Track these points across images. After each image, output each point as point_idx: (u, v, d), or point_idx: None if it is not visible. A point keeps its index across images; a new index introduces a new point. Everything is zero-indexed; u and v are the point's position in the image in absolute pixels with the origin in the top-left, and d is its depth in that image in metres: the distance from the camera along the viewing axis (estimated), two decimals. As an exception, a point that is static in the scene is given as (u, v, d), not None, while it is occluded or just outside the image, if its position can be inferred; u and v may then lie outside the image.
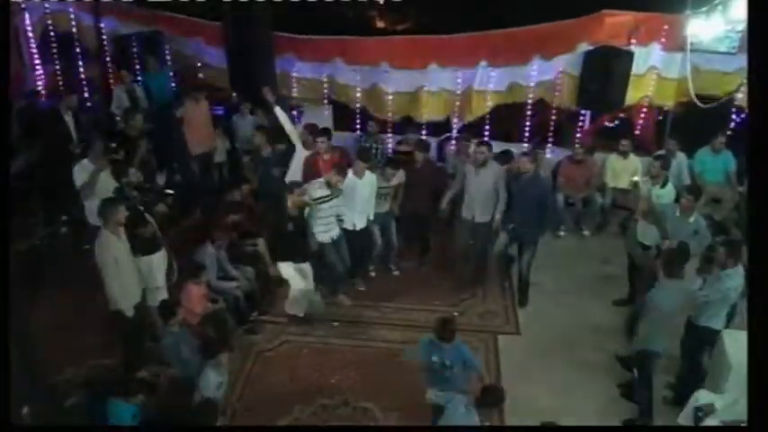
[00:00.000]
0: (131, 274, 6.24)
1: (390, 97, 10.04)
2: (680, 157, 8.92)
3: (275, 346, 7.34)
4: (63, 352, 6.93)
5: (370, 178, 7.71)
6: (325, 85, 10.28)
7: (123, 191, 6.70)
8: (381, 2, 10.80)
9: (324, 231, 7.49)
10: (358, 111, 10.37)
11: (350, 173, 7.54)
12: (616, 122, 10.18)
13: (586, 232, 9.38)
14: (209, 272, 7.22)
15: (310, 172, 7.86)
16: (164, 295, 6.77)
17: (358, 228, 7.82)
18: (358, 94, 10.23)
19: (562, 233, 9.38)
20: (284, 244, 7.19)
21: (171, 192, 8.25)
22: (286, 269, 7.31)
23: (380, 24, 11.19)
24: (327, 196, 7.32)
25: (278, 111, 8.33)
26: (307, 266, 7.40)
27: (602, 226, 9.40)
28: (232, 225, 7.69)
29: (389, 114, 10.17)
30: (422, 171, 8.14)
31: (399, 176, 8.01)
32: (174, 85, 10.55)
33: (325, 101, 10.37)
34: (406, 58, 9.81)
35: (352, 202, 7.64)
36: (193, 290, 7.00)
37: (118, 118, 9.11)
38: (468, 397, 5.20)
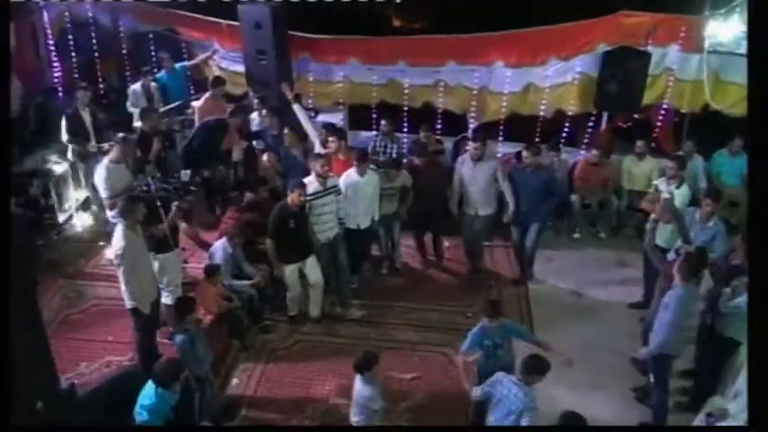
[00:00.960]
0: (148, 271, 6.29)
1: (407, 90, 10.03)
2: (696, 160, 8.84)
3: (289, 345, 7.38)
4: (79, 346, 7.10)
5: (372, 177, 7.72)
6: (340, 86, 10.24)
7: (147, 188, 6.66)
8: (398, 1, 10.70)
9: (320, 232, 7.49)
10: (374, 110, 10.33)
11: (353, 171, 7.57)
12: (629, 124, 10.09)
13: (602, 234, 9.34)
14: (224, 270, 7.25)
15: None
16: (179, 294, 6.82)
17: (362, 227, 7.83)
18: (374, 94, 10.17)
19: (577, 235, 9.35)
20: (286, 243, 7.20)
21: (194, 188, 8.28)
22: (288, 271, 7.33)
23: (397, 23, 11.05)
24: (321, 192, 7.32)
25: (296, 108, 8.38)
26: (312, 261, 7.41)
27: (618, 228, 9.35)
28: (247, 224, 7.70)
29: (406, 102, 10.14)
30: (427, 173, 8.13)
31: (404, 178, 8.00)
32: (190, 83, 10.54)
33: (341, 104, 10.33)
34: (423, 57, 9.77)
35: (356, 202, 7.65)
36: (208, 288, 7.05)
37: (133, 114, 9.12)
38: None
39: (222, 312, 7.06)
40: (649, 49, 8.99)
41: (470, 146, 7.84)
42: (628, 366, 6.84)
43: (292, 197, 7.01)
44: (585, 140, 9.85)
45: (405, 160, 8.60)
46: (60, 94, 10.55)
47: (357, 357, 5.55)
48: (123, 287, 6.08)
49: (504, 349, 5.81)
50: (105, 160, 7.34)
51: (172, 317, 6.47)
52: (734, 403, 5.54)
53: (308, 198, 7.21)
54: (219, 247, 7.40)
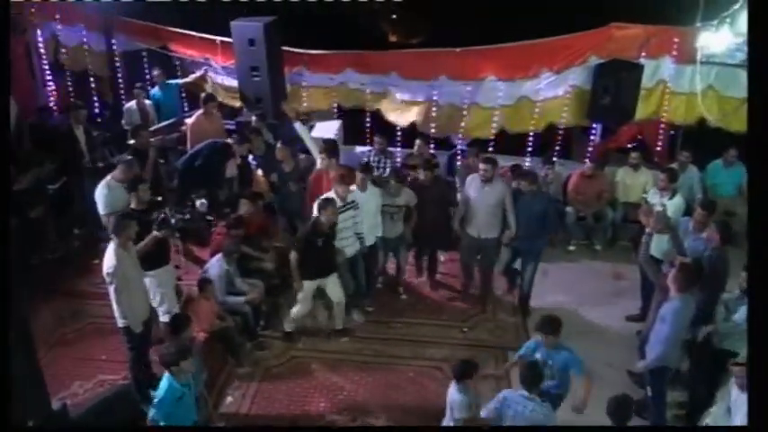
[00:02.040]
0: (140, 289, 6.25)
1: (399, 103, 10.04)
2: (691, 170, 8.83)
3: (283, 362, 7.34)
4: (73, 365, 7.07)
5: (373, 191, 7.65)
6: (335, 93, 10.27)
7: (165, 221, 6.63)
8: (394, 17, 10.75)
9: (341, 247, 7.44)
10: (368, 120, 10.36)
11: (353, 188, 7.49)
12: (634, 144, 9.82)
13: (598, 247, 9.30)
14: (218, 287, 7.23)
15: (314, 188, 7.85)
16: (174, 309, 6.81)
17: (367, 244, 7.73)
18: (368, 99, 10.21)
19: (572, 248, 9.31)
20: (310, 260, 7.14)
21: (211, 218, 8.37)
22: (306, 286, 7.28)
23: (392, 38, 11.09)
24: (342, 207, 7.28)
25: (297, 125, 8.37)
26: (333, 279, 7.37)
27: (613, 240, 9.32)
28: (237, 239, 7.69)
29: (398, 117, 10.15)
30: (430, 190, 7.97)
31: (408, 196, 7.81)
32: (184, 98, 10.56)
33: (335, 108, 10.36)
34: (416, 70, 9.81)
35: (361, 217, 7.58)
36: (202, 304, 7.03)
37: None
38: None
39: (216, 330, 7.03)
40: (642, 61, 9.05)
41: (480, 167, 7.58)
42: (625, 379, 6.79)
43: (326, 215, 6.96)
44: (587, 154, 9.84)
45: (408, 178, 8.33)
46: (55, 112, 10.56)
47: (455, 365, 5.55)
48: (114, 305, 6.05)
49: (551, 371, 5.67)
50: (108, 178, 7.35)
51: (167, 334, 6.42)
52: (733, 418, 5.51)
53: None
54: (215, 263, 7.37)
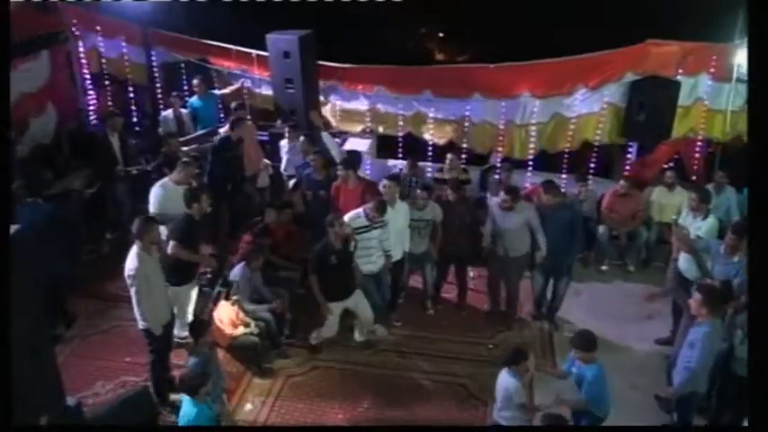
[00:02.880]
0: (162, 293, 6.29)
1: (432, 123, 10.00)
2: (728, 191, 8.60)
3: (305, 370, 7.30)
4: (96, 366, 7.17)
5: (402, 207, 7.57)
6: (368, 115, 10.28)
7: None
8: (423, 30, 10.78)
9: (365, 264, 7.40)
10: (400, 140, 10.34)
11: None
12: (671, 166, 9.53)
13: (631, 267, 9.08)
14: (242, 294, 7.25)
15: (334, 200, 7.85)
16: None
17: (394, 259, 7.65)
18: (400, 123, 10.19)
19: (605, 267, 9.11)
20: (328, 279, 7.10)
21: None
22: (334, 309, 7.23)
23: (425, 54, 11.09)
24: (366, 227, 7.25)
25: (325, 135, 8.40)
26: (358, 298, 7.32)
27: (647, 261, 9.09)
28: (263, 248, 7.72)
29: (432, 136, 10.10)
30: (457, 208, 7.86)
31: (434, 211, 7.72)
32: (220, 108, 10.71)
33: (368, 130, 10.36)
34: (450, 88, 9.77)
35: (388, 233, 7.46)
36: (224, 311, 7.06)
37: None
38: None
39: (238, 336, 7.05)
40: (679, 78, 8.89)
41: (501, 197, 7.52)
42: (647, 402, 6.58)
43: (336, 232, 6.94)
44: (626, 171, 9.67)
45: (436, 193, 8.22)
46: (94, 120, 10.81)
47: (507, 352, 5.74)
48: (135, 307, 6.10)
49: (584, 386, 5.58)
50: (165, 179, 7.50)
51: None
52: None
53: (355, 231, 7.15)
54: (239, 270, 7.40)
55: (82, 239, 8.26)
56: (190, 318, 7.03)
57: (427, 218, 7.72)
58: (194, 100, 10.41)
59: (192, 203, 6.69)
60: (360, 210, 7.26)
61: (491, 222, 7.67)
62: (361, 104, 10.29)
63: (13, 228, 4.02)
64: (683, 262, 6.88)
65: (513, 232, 7.51)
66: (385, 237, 7.39)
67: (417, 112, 10.04)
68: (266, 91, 10.45)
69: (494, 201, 7.88)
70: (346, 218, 7.17)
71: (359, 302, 7.31)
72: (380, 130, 10.37)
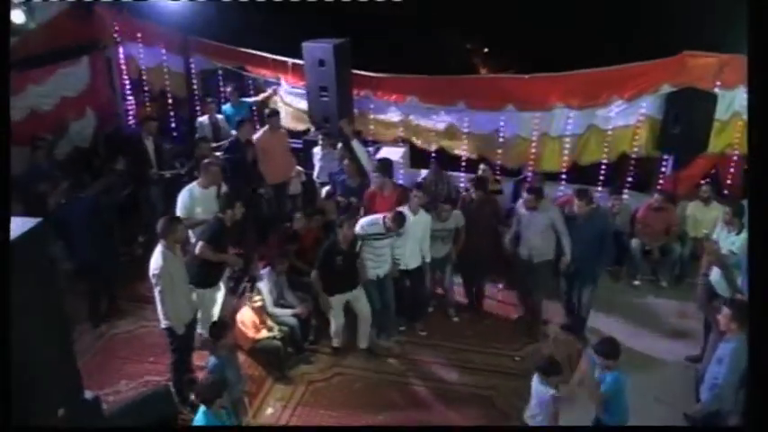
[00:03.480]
0: (185, 293, 6.35)
1: (465, 137, 9.91)
2: (765, 208, 8.35)
3: (327, 377, 7.30)
4: (121, 365, 7.30)
5: (423, 217, 7.52)
6: (401, 128, 10.25)
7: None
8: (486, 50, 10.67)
9: (372, 268, 7.41)
10: (434, 152, 10.27)
11: (405, 209, 7.40)
12: (707, 180, 9.35)
13: (664, 283, 8.87)
14: (266, 298, 7.29)
15: (368, 206, 7.85)
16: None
17: (411, 267, 7.63)
18: (433, 135, 10.11)
19: (638, 282, 8.92)
20: (331, 278, 7.17)
21: None
22: (333, 302, 7.29)
23: (458, 64, 11.02)
24: (381, 235, 7.25)
25: (355, 143, 8.42)
26: (358, 293, 7.35)
27: (680, 277, 8.86)
28: (290, 254, 7.76)
29: (464, 151, 10.02)
30: (480, 209, 7.88)
31: (457, 218, 7.72)
32: (255, 116, 10.83)
33: (401, 142, 10.33)
34: (485, 98, 9.66)
35: (405, 241, 7.45)
36: (248, 314, 7.10)
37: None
38: None
39: (260, 339, 7.08)
40: (717, 91, 8.70)
41: (525, 197, 7.54)
42: (670, 415, 6.40)
43: (344, 233, 6.98)
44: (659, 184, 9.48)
45: (462, 194, 8.31)
46: (131, 124, 11.03)
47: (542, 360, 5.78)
48: (159, 306, 6.18)
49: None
50: (193, 184, 7.60)
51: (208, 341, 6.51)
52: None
53: (370, 237, 7.21)
54: (264, 275, 7.45)
55: (115, 238, 8.34)
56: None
57: (450, 227, 7.72)
58: (227, 107, 10.53)
59: (226, 209, 6.78)
60: (378, 216, 7.28)
61: (516, 224, 7.65)
62: (394, 115, 10.25)
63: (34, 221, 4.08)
64: (715, 277, 6.71)
65: (536, 234, 7.46)
66: (398, 245, 7.40)
67: (450, 124, 9.95)
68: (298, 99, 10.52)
69: (519, 202, 7.87)
70: (364, 221, 7.23)
71: (360, 298, 7.33)
72: (413, 140, 10.32)
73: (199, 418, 5.25)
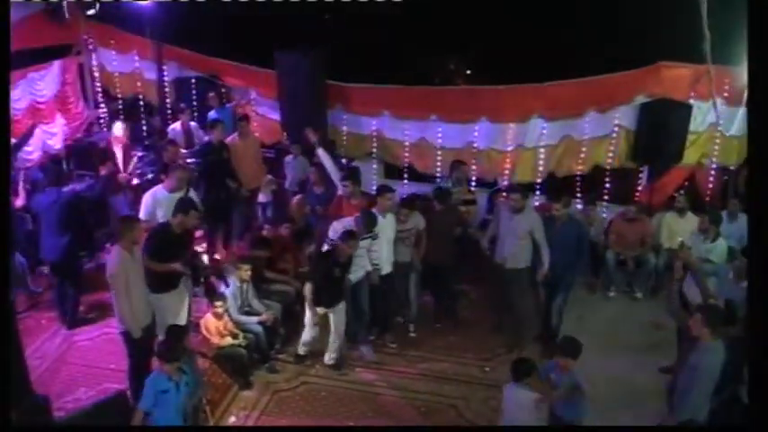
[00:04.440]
0: (142, 295, 6.15)
1: (439, 152, 9.77)
2: (742, 219, 8.30)
3: (293, 386, 7.12)
4: (81, 372, 7.13)
5: (390, 219, 7.44)
6: (374, 142, 10.12)
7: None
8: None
9: (351, 273, 7.27)
10: (406, 167, 10.17)
11: (374, 211, 7.31)
12: (681, 193, 9.27)
13: (639, 294, 8.79)
14: (231, 305, 7.12)
15: (336, 214, 7.66)
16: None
17: (384, 272, 7.50)
18: (406, 153, 9.97)
19: (612, 294, 8.83)
20: (325, 289, 7.02)
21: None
22: (315, 313, 7.16)
23: (433, 75, 10.92)
24: (362, 237, 7.12)
25: (320, 152, 8.26)
26: (341, 307, 7.22)
27: (655, 289, 8.78)
28: (258, 260, 7.61)
29: (438, 171, 9.85)
30: (443, 218, 7.76)
31: (415, 219, 7.58)
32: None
33: (373, 158, 10.23)
34: (458, 110, 9.56)
35: (380, 244, 7.36)
36: (212, 320, 6.92)
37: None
38: None
39: (224, 346, 6.90)
40: (692, 103, 8.68)
41: (511, 197, 7.38)
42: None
43: (344, 248, 6.83)
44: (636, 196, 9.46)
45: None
46: (101, 131, 10.88)
47: (513, 365, 5.55)
48: (115, 309, 6.00)
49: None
50: (158, 187, 7.50)
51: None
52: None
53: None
54: (229, 281, 7.29)
55: (80, 238, 8.13)
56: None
57: (409, 227, 7.57)
58: (212, 114, 10.31)
59: (177, 214, 6.48)
60: (349, 219, 7.15)
61: (494, 227, 7.54)
62: (366, 129, 10.12)
63: None
64: (687, 284, 6.62)
65: (515, 239, 7.32)
66: (375, 248, 7.28)
67: (422, 138, 9.83)
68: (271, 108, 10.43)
69: (501, 202, 7.76)
70: (337, 224, 7.07)
71: (340, 312, 7.18)
72: (386, 158, 10.23)
73: (152, 375, 5.22)
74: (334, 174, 8.21)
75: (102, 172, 8.44)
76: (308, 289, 6.99)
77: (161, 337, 5.88)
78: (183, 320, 6.66)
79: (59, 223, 7.51)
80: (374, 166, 10.18)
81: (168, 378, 5.20)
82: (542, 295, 7.76)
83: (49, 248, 7.64)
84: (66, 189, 7.81)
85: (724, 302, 5.83)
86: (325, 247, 7.22)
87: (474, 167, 9.66)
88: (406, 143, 9.92)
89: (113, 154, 8.89)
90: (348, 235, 6.83)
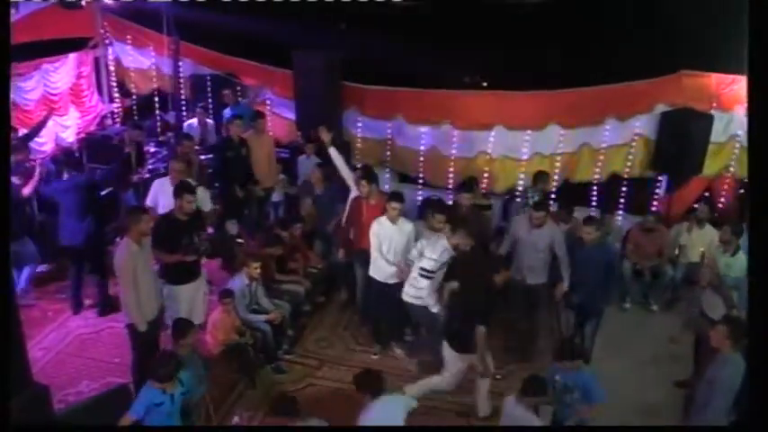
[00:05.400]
0: (149, 288, 6.06)
1: (452, 162, 9.67)
2: (760, 233, 8.14)
3: (300, 387, 6.99)
4: (85, 365, 7.05)
5: (406, 226, 7.17)
6: (388, 150, 10.04)
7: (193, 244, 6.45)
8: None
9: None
10: (420, 175, 10.07)
11: (384, 219, 7.08)
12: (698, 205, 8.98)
13: (654, 307, 8.59)
14: (239, 303, 7.01)
15: (354, 215, 7.58)
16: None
17: (391, 282, 7.19)
18: (420, 163, 9.87)
19: (628, 305, 8.64)
20: None
21: (242, 240, 8.26)
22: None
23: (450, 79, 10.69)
24: None
25: (332, 151, 8.12)
26: None
27: (671, 302, 8.59)
28: (269, 258, 7.50)
29: (450, 182, 9.75)
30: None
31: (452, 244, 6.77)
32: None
33: (387, 167, 10.12)
34: (473, 117, 9.44)
35: (387, 253, 7.09)
36: (219, 317, 6.81)
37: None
38: None
39: (232, 345, 6.78)
40: (713, 113, 8.53)
41: (534, 215, 7.10)
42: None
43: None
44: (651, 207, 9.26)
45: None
46: (115, 126, 10.86)
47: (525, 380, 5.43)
48: (122, 302, 5.90)
49: (572, 398, 5.48)
50: (166, 178, 7.52)
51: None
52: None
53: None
54: (238, 278, 7.18)
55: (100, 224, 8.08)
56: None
57: (443, 259, 6.82)
58: (228, 110, 10.19)
59: (175, 199, 6.38)
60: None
61: (510, 244, 7.37)
62: (381, 135, 10.03)
63: None
64: (708, 300, 6.49)
65: (535, 254, 7.14)
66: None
67: (434, 147, 9.71)
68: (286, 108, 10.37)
69: (518, 218, 7.61)
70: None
71: None
72: (398, 167, 10.15)
73: (147, 396, 5.03)
74: (347, 174, 8.06)
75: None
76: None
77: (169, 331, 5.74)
78: (196, 316, 6.55)
79: (80, 207, 7.46)
80: (387, 175, 10.05)
81: (162, 392, 5.05)
82: (564, 317, 7.60)
83: (70, 233, 7.55)
84: (83, 175, 7.87)
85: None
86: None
87: (486, 179, 9.53)
88: (420, 150, 9.79)
89: (128, 151, 8.80)
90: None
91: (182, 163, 7.44)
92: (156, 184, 7.44)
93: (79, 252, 7.66)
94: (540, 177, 8.59)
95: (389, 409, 5.31)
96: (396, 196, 7.18)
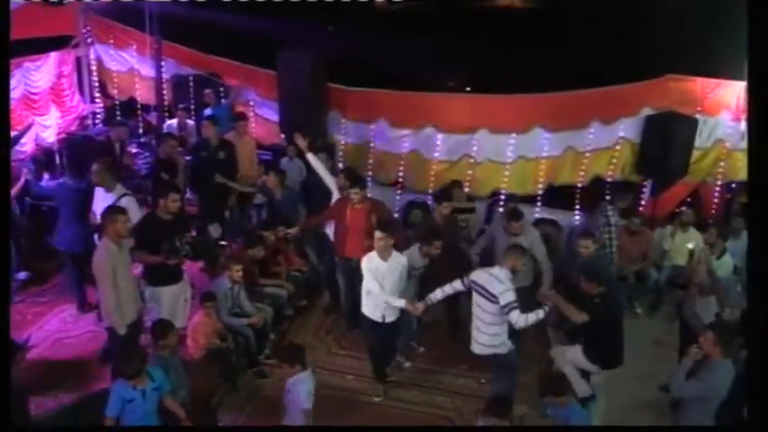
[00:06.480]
0: (129, 289, 5.95)
1: (434, 166, 9.57)
2: (745, 237, 8.15)
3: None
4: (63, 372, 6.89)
5: (398, 261, 6.51)
6: (370, 155, 9.93)
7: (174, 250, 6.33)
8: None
9: None
10: (400, 179, 9.97)
11: (374, 255, 6.43)
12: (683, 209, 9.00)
13: (638, 310, 8.58)
14: (221, 306, 6.92)
15: (339, 218, 7.44)
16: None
17: (387, 321, 6.64)
18: (400, 168, 9.76)
19: (611, 308, 8.63)
20: None
21: (224, 243, 8.15)
22: None
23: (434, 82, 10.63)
24: None
25: (310, 156, 8.00)
26: None
27: (655, 305, 8.59)
28: (251, 261, 7.41)
29: (431, 188, 9.61)
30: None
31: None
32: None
33: (369, 173, 10.00)
34: (457, 119, 9.36)
35: (381, 291, 6.43)
36: (200, 320, 6.72)
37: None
38: None
39: (213, 348, 6.69)
40: (699, 117, 8.55)
41: (512, 225, 6.97)
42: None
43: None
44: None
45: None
46: (97, 126, 10.74)
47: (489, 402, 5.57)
48: (101, 304, 5.79)
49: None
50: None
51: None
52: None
53: None
54: (220, 281, 7.09)
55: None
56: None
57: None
58: (209, 111, 10.12)
59: (158, 199, 6.32)
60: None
61: (487, 241, 7.31)
62: (363, 139, 9.93)
63: None
64: (701, 305, 6.50)
65: None
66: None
67: (416, 151, 9.62)
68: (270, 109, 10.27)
69: (498, 216, 7.59)
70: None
71: None
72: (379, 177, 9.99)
73: (114, 387, 5.04)
74: (328, 179, 7.95)
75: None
76: None
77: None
78: (178, 320, 6.42)
79: (80, 213, 7.33)
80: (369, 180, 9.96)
81: (132, 387, 4.98)
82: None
83: (73, 237, 7.41)
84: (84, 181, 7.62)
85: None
86: None
87: (469, 183, 9.46)
88: (401, 154, 9.69)
89: (111, 150, 8.69)
90: None
91: (103, 164, 7.21)
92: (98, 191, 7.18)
93: (80, 258, 7.45)
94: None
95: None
96: (384, 226, 6.51)
